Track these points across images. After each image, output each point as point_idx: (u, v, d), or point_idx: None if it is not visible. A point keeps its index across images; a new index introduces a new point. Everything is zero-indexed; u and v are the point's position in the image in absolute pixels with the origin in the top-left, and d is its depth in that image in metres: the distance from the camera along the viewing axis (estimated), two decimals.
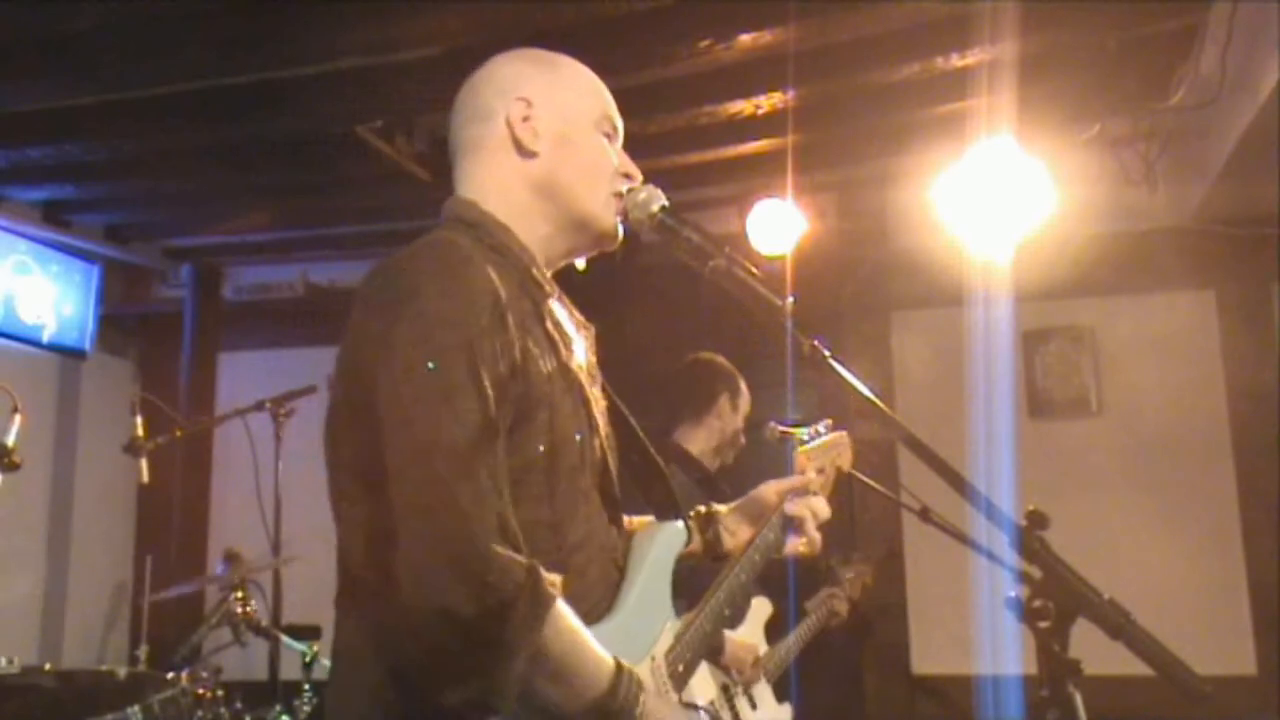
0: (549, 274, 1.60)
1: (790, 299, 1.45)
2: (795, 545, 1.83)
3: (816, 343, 1.45)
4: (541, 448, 1.41)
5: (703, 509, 1.84)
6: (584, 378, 1.54)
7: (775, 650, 3.16)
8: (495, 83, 1.60)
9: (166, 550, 4.99)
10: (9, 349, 4.52)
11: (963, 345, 4.27)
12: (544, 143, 1.56)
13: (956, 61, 3.43)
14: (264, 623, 3.69)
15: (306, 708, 3.59)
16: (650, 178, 1.63)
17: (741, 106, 3.71)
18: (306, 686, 3.64)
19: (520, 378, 1.38)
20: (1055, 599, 1.22)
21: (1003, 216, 3.90)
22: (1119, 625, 1.20)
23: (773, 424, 2.46)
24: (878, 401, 1.44)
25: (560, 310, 1.58)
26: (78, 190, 4.60)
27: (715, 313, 4.34)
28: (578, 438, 1.47)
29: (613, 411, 1.65)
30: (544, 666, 1.27)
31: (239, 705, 3.44)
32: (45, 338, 4.69)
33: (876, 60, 3.48)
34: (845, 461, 2.04)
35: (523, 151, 1.55)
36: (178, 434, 3.91)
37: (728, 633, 2.90)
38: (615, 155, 1.62)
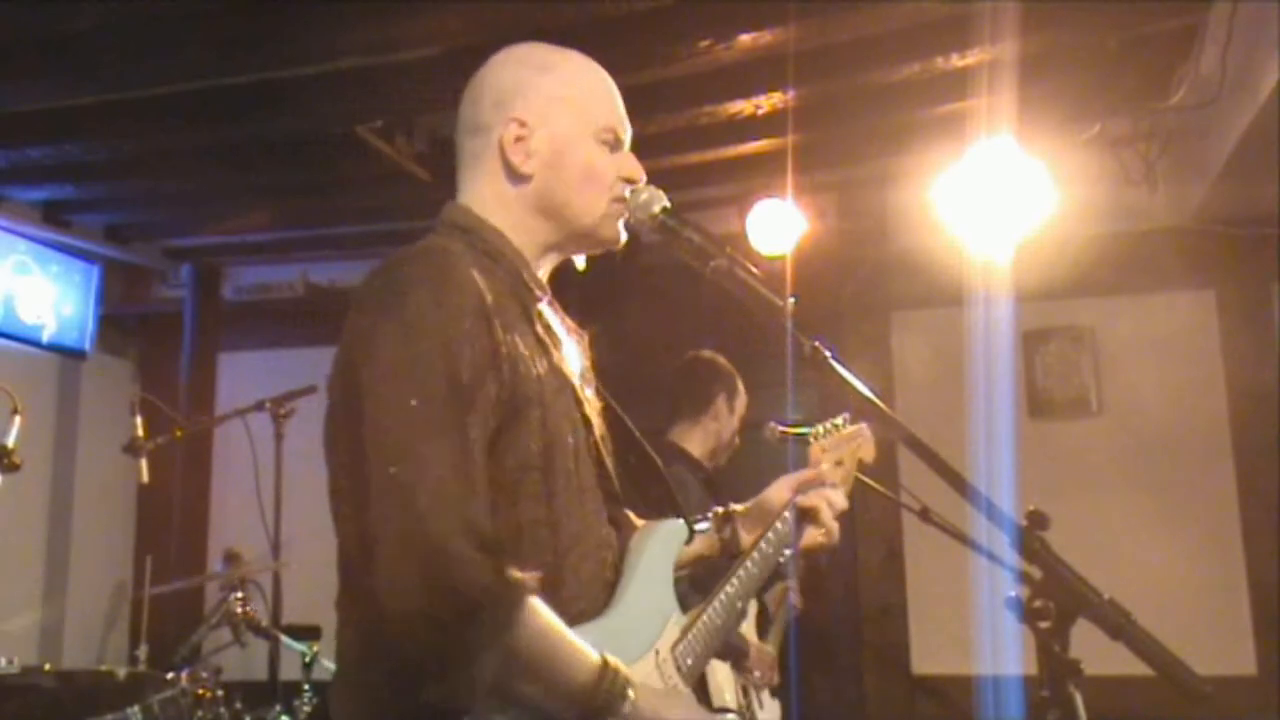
0: (547, 273, 1.61)
1: (792, 299, 1.45)
2: (813, 537, 1.83)
3: (818, 343, 1.45)
4: (536, 447, 1.43)
5: (720, 509, 1.84)
6: (576, 379, 1.55)
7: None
8: (494, 92, 1.59)
9: (166, 550, 4.98)
10: (9, 349, 4.52)
11: (963, 345, 4.27)
12: (537, 163, 1.56)
13: (956, 61, 3.43)
14: (264, 623, 3.69)
15: (306, 708, 3.59)
16: (650, 178, 1.63)
17: (741, 106, 3.71)
18: (306, 686, 3.64)
19: (507, 379, 1.39)
20: (1056, 599, 1.22)
21: (1003, 216, 3.90)
22: (1119, 625, 1.20)
23: (773, 424, 2.46)
24: (878, 402, 1.44)
25: (551, 314, 1.59)
26: (78, 190, 4.60)
27: (715, 313, 4.34)
28: (571, 439, 1.48)
29: (609, 413, 1.66)
30: (517, 666, 1.29)
31: (239, 705, 3.44)
32: (45, 338, 4.69)
33: (876, 60, 3.47)
34: (867, 453, 2.02)
35: (516, 175, 1.56)
36: (178, 434, 3.92)
37: (752, 639, 2.92)
38: (616, 162, 1.60)
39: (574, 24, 2.98)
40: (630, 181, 1.60)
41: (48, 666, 3.23)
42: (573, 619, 1.40)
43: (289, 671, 3.82)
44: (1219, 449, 4.42)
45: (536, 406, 1.43)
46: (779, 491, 1.85)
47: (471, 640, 1.25)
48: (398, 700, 1.33)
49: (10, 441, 2.88)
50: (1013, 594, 1.29)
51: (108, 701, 2.86)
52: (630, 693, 1.34)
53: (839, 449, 1.97)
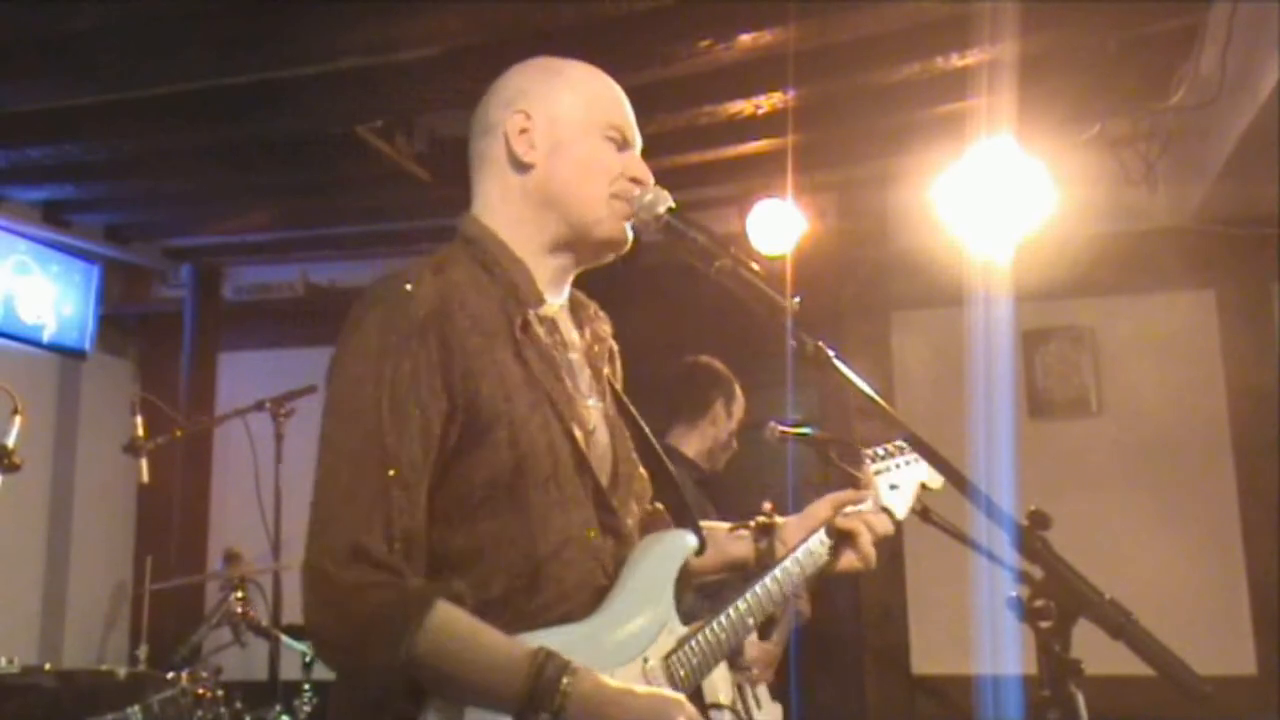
0: (555, 278, 1.60)
1: (796, 299, 1.45)
2: (849, 560, 1.82)
3: (820, 343, 1.45)
4: (507, 463, 1.44)
5: (762, 518, 1.83)
6: (570, 390, 1.55)
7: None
8: (501, 95, 1.62)
9: (166, 550, 4.98)
10: (9, 349, 4.52)
11: (963, 345, 4.27)
12: (540, 152, 1.57)
13: (956, 61, 3.43)
14: (264, 623, 3.69)
15: (306, 708, 3.59)
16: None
17: (741, 106, 3.71)
18: (306, 686, 3.64)
19: (461, 400, 1.43)
20: (1056, 599, 1.22)
21: (1003, 216, 3.90)
22: (1120, 625, 1.20)
23: (773, 424, 2.45)
24: (881, 401, 1.44)
25: (560, 322, 1.60)
26: (78, 190, 4.60)
27: (717, 313, 4.33)
28: (550, 453, 1.48)
29: (628, 420, 1.67)
30: (427, 673, 1.34)
31: (239, 705, 3.44)
32: (45, 338, 4.69)
33: (876, 60, 3.47)
34: (933, 480, 1.96)
35: (520, 164, 1.57)
36: (178, 434, 3.92)
37: (753, 638, 2.90)
38: (623, 161, 1.60)
39: (574, 24, 2.99)
40: (637, 183, 1.59)
41: (48, 666, 3.23)
42: (552, 624, 1.43)
43: (289, 671, 3.82)
44: (1219, 449, 4.42)
45: (504, 425, 1.44)
46: (821, 509, 1.84)
47: (370, 655, 1.32)
48: (389, 701, 1.37)
49: (10, 441, 2.88)
50: (1013, 594, 1.28)
51: (108, 701, 2.86)
52: (567, 682, 1.33)
53: (895, 473, 1.93)
